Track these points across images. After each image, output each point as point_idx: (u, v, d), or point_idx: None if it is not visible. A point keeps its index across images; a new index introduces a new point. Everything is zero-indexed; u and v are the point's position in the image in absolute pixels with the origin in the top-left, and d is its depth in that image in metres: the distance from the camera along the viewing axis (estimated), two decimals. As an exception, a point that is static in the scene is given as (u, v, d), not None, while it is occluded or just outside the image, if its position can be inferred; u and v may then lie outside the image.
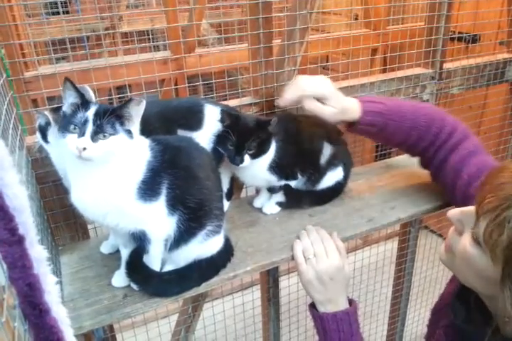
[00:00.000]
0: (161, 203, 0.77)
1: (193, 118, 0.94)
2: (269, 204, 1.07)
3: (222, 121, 0.93)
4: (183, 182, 0.78)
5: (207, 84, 1.20)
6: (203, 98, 1.06)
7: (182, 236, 0.80)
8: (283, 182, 1.02)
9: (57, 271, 0.90)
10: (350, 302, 0.92)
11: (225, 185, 1.03)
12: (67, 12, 2.95)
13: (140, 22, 2.93)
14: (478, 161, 0.96)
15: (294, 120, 1.03)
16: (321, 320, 0.89)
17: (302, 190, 1.06)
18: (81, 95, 0.71)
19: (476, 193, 0.66)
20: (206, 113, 0.95)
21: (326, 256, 0.90)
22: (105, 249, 0.96)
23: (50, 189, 0.96)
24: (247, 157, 0.92)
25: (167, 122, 0.92)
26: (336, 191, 1.11)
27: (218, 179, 0.90)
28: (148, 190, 0.75)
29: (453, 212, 0.70)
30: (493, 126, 1.69)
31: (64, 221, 1.01)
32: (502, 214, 0.57)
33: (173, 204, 0.77)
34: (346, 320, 0.88)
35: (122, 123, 0.72)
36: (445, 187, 1.02)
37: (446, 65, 1.35)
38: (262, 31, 1.01)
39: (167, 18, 2.32)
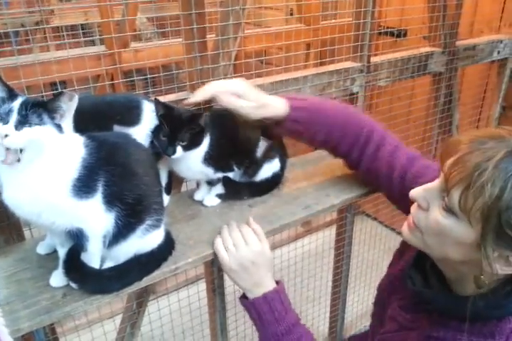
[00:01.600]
0: (97, 200, 0.76)
1: (130, 114, 0.94)
2: (209, 197, 1.09)
3: (156, 111, 0.94)
4: (120, 179, 0.78)
5: (144, 79, 1.19)
6: (139, 94, 1.05)
7: (121, 232, 0.81)
8: (220, 175, 1.04)
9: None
10: (277, 282, 0.96)
11: (164, 180, 1.04)
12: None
13: (73, 16, 2.81)
14: (404, 152, 1.03)
15: (230, 114, 1.05)
16: (253, 306, 0.93)
17: (241, 182, 1.09)
18: (8, 88, 0.70)
19: (437, 172, 0.73)
20: (144, 108, 0.95)
21: (245, 243, 0.93)
22: (41, 249, 0.94)
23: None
24: (179, 148, 0.93)
25: (102, 118, 0.91)
26: (274, 182, 1.14)
27: (157, 174, 0.91)
28: (83, 187, 0.74)
29: (416, 192, 0.75)
30: (420, 114, 1.80)
31: (-4, 223, 0.97)
32: (478, 180, 0.63)
33: (110, 201, 0.77)
34: (277, 299, 0.92)
35: (52, 118, 0.71)
36: (380, 183, 1.06)
37: (374, 59, 1.43)
38: (195, 26, 1.02)
39: (100, 12, 2.25)
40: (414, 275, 0.84)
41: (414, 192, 0.76)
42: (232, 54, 1.11)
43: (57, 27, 2.70)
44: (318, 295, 1.82)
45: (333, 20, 2.27)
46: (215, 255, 0.95)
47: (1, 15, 2.07)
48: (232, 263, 0.92)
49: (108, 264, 0.85)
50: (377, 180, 1.06)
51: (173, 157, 0.94)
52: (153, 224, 0.84)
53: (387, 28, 2.23)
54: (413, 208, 0.78)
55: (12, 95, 0.70)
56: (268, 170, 1.10)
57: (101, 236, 0.80)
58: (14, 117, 0.68)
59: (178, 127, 0.93)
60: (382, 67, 1.45)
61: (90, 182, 0.75)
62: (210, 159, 1.00)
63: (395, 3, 2.30)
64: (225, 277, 1.27)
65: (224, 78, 1.13)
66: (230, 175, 1.06)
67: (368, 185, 1.15)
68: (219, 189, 1.08)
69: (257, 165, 1.08)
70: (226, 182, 1.06)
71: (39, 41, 2.47)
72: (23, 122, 0.68)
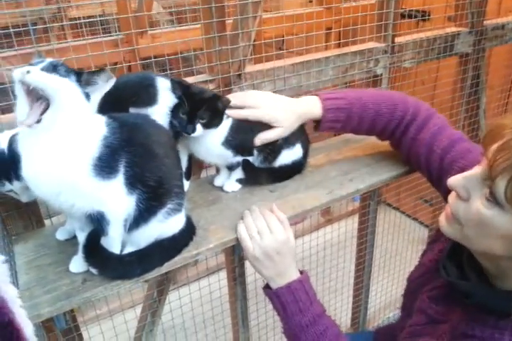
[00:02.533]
0: (119, 181, 0.74)
1: (146, 94, 0.90)
2: (229, 182, 1.06)
3: (173, 91, 0.91)
4: (141, 160, 0.75)
5: (161, 65, 1.16)
6: (153, 72, 1.02)
7: (142, 216, 0.78)
8: (239, 158, 1.01)
9: (10, 261, 0.86)
10: (301, 272, 0.93)
11: (184, 164, 1.01)
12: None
13: (89, 7, 2.80)
14: (448, 134, 0.98)
15: None
16: (277, 296, 0.90)
17: (261, 167, 1.06)
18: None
19: (479, 156, 0.67)
20: (159, 86, 0.91)
21: (270, 231, 0.90)
22: (61, 235, 0.92)
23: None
24: (199, 126, 0.90)
25: (117, 102, 0.87)
26: (295, 169, 1.11)
27: (177, 157, 0.88)
28: (104, 167, 0.72)
29: (454, 180, 0.69)
30: (445, 98, 1.73)
31: (15, 209, 0.96)
32: None
33: (132, 183, 0.75)
34: (301, 289, 0.89)
35: (81, 83, 0.70)
36: (419, 164, 1.03)
37: (398, 39, 1.37)
38: (213, 5, 0.99)
39: (117, 3, 2.23)
40: (449, 267, 0.78)
41: (453, 181, 0.69)
42: (252, 34, 1.07)
43: (75, 18, 2.70)
44: (340, 286, 1.78)
45: (354, 3, 2.22)
46: (237, 241, 0.92)
47: (20, 7, 2.07)
48: (257, 251, 0.89)
49: (129, 249, 0.83)
50: (418, 161, 1.03)
51: (193, 135, 0.91)
52: (175, 208, 0.82)
53: (409, 10, 2.15)
54: (451, 197, 0.71)
55: None
56: (288, 156, 1.06)
57: (122, 219, 0.77)
58: (44, 64, 0.67)
59: (198, 104, 0.90)
60: (407, 48, 1.39)
61: (112, 163, 0.72)
62: (230, 141, 0.97)
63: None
64: (246, 265, 1.25)
65: (243, 59, 1.09)
66: (250, 159, 1.03)
67: (409, 166, 1.12)
68: (239, 174, 1.05)
69: (276, 151, 1.04)
70: (246, 166, 1.03)
71: (57, 34, 2.47)
72: (50, 70, 0.67)
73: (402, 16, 2.06)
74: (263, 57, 1.17)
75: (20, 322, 0.46)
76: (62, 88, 0.67)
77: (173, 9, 2.62)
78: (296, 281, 0.89)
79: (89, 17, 2.62)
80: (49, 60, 0.70)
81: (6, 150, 0.80)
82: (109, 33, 2.51)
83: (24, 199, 0.86)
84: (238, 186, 1.06)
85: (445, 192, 0.77)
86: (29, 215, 0.98)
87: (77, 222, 0.81)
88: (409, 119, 1.02)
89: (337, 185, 1.07)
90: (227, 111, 0.95)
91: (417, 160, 1.03)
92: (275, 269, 0.89)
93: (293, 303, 0.88)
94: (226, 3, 1.01)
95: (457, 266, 0.78)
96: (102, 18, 2.22)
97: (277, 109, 0.98)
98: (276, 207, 0.95)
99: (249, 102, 0.98)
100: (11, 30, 0.95)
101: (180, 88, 0.90)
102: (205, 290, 1.43)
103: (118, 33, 2.12)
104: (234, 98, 0.96)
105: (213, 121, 0.92)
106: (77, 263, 0.83)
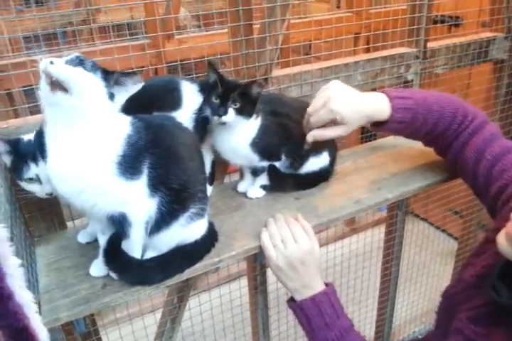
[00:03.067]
0: (142, 183, 0.73)
1: (171, 98, 0.89)
2: (253, 188, 1.04)
3: (208, 75, 0.90)
4: (166, 162, 0.74)
5: (187, 70, 1.15)
6: (177, 76, 1.01)
7: (164, 219, 0.76)
8: (265, 163, 0.99)
9: (32, 263, 0.86)
10: (326, 284, 0.89)
11: (207, 169, 1.00)
12: (41, 3, 2.84)
13: (118, 12, 2.84)
14: (500, 143, 0.94)
15: (284, 103, 1.00)
16: (301, 309, 0.86)
17: (287, 173, 1.03)
18: None
19: None
20: (184, 90, 0.90)
21: (294, 241, 0.86)
22: (83, 238, 0.92)
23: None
24: (231, 110, 0.88)
25: (142, 106, 0.84)
26: (322, 176, 1.07)
27: (202, 161, 0.86)
28: (128, 167, 0.70)
29: None
30: (477, 106, 1.66)
31: (38, 210, 0.96)
32: None
33: (155, 185, 0.73)
34: (327, 302, 0.85)
35: (108, 81, 0.70)
36: (465, 170, 0.99)
37: (430, 44, 1.33)
38: (241, 8, 0.97)
39: (145, 8, 2.26)
40: (500, 287, 0.72)
41: None
42: (279, 38, 1.05)
43: (104, 26, 2.73)
44: (364, 297, 1.73)
45: (383, 9, 2.18)
46: (260, 250, 0.89)
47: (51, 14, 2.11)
48: (280, 261, 0.86)
49: (150, 254, 0.81)
50: (464, 167, 0.98)
51: (224, 119, 0.88)
52: (198, 213, 0.80)
53: (441, 16, 2.10)
54: None
55: None
56: (315, 163, 1.03)
57: (144, 221, 0.76)
58: (69, 57, 0.67)
59: (232, 87, 0.87)
60: (440, 53, 1.35)
61: (135, 163, 0.71)
62: (257, 143, 0.94)
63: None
64: (268, 274, 1.22)
65: (270, 63, 1.07)
66: (276, 164, 1.00)
67: (447, 174, 1.08)
68: (263, 180, 1.03)
69: (302, 157, 1.01)
70: (271, 172, 1.01)
71: (85, 38, 2.51)
72: (76, 63, 0.66)
73: (434, 22, 2.01)
74: (290, 61, 1.15)
75: (35, 328, 0.45)
76: (85, 82, 0.66)
77: (199, 13, 2.63)
78: (322, 293, 0.85)
79: (117, 25, 2.67)
80: (76, 53, 0.69)
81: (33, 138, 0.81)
82: (137, 39, 2.54)
83: (47, 189, 0.83)
84: (262, 192, 1.04)
85: (489, 200, 0.72)
86: (52, 217, 0.98)
87: (99, 224, 0.80)
88: (466, 124, 0.98)
89: (364, 194, 1.03)
90: None
91: (464, 165, 0.98)
92: (299, 280, 0.86)
93: (318, 317, 0.84)
94: (254, 6, 1.00)
95: (508, 287, 0.73)
96: (129, 21, 2.24)
97: (345, 106, 0.90)
98: (301, 216, 0.92)
99: (321, 93, 0.93)
100: (39, 32, 0.96)
101: (215, 72, 0.88)
102: (226, 298, 1.40)
103: (144, 36, 2.15)
104: None
105: (246, 107, 0.89)
106: (98, 267, 0.81)
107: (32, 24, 2.06)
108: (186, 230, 0.80)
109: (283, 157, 0.99)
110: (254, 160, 0.98)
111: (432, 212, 2.25)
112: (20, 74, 0.92)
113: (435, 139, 1.04)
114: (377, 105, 0.95)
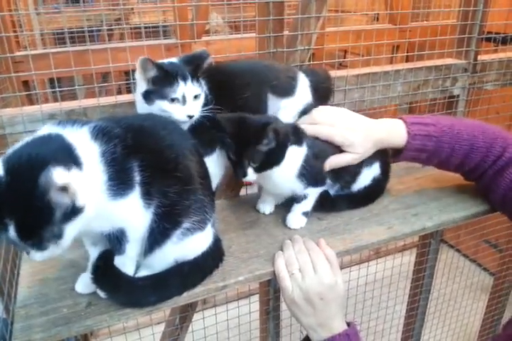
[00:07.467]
0: (135, 194, 0.62)
1: (286, 82, 0.85)
2: (294, 217, 0.88)
3: (222, 130, 0.76)
4: (150, 170, 0.63)
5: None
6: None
7: (155, 235, 0.66)
8: (311, 190, 0.86)
9: (15, 269, 0.77)
10: (348, 324, 0.76)
11: (214, 184, 0.86)
12: (77, 1, 2.85)
13: (151, 14, 2.81)
14: None
15: None
16: None
17: (338, 195, 0.92)
18: None
19: None
20: (299, 79, 0.87)
21: (314, 271, 0.74)
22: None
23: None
24: (250, 170, 0.76)
25: (258, 81, 0.82)
26: (376, 190, 0.96)
27: (200, 162, 0.72)
28: (118, 184, 0.60)
29: None
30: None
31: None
32: None
33: (149, 193, 0.63)
34: None
35: None
36: (494, 198, 0.89)
37: (482, 57, 1.20)
38: (271, 0, 0.87)
39: (176, 11, 2.22)
40: None
41: None
42: (313, 37, 0.94)
43: (136, 27, 2.71)
44: (388, 331, 1.57)
45: (425, 22, 2.06)
46: (274, 276, 0.77)
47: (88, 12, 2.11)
48: (296, 294, 0.73)
49: (142, 273, 0.70)
50: (495, 196, 0.89)
51: (247, 179, 0.77)
52: (192, 227, 0.68)
53: (488, 33, 1.96)
54: None
55: None
56: (367, 176, 0.92)
57: (141, 236, 0.66)
58: None
59: (244, 145, 0.75)
60: (491, 68, 1.21)
61: (124, 177, 0.61)
62: (307, 173, 0.82)
63: (501, 3, 2.02)
64: (282, 299, 1.10)
65: (300, 65, 0.96)
66: (325, 188, 0.88)
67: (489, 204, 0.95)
68: (306, 206, 0.88)
69: (354, 172, 0.90)
70: (321, 197, 0.88)
71: (117, 37, 2.49)
72: None
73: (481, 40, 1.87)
74: (322, 65, 1.04)
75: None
76: None
77: (229, 20, 2.57)
78: (343, 335, 0.72)
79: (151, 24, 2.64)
80: None
81: None
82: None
83: (189, 111, 0.75)
84: (305, 220, 0.89)
85: None
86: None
87: (90, 238, 0.69)
88: (508, 157, 0.86)
89: (398, 220, 0.90)
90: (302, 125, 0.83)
91: (495, 194, 0.88)
92: (316, 318, 0.73)
93: None
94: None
95: None
96: (158, 24, 2.19)
97: (354, 132, 0.85)
98: (325, 242, 0.80)
99: (323, 118, 0.86)
100: (75, 29, 0.91)
101: (232, 125, 0.75)
102: (234, 321, 1.28)
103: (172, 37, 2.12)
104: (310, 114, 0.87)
105: (270, 161, 0.77)
106: (84, 283, 0.71)
107: (68, 23, 2.06)
108: (181, 246, 0.68)
109: (328, 181, 0.87)
110: (298, 189, 0.85)
111: (464, 241, 2.08)
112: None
113: (470, 173, 0.93)
114: (390, 131, 0.88)
